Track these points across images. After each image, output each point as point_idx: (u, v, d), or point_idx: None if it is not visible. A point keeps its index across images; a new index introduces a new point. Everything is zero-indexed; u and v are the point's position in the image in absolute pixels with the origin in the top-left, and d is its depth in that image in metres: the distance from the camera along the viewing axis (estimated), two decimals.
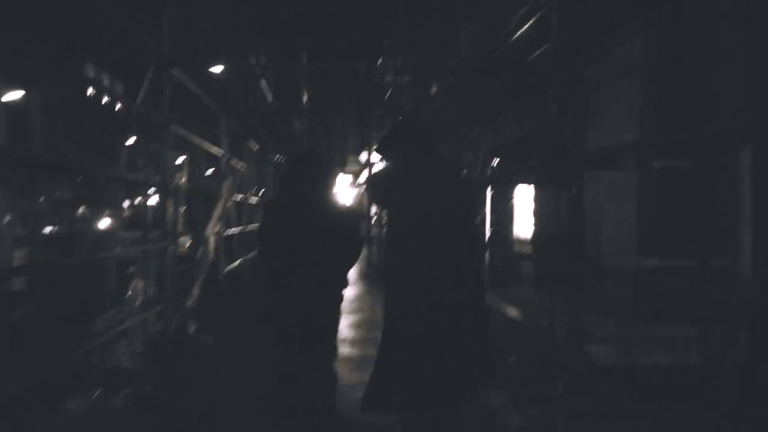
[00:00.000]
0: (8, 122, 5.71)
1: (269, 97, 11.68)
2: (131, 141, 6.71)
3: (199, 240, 6.07)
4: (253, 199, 11.15)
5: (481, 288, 3.07)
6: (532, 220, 7.77)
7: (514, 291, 5.99)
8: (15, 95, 6.12)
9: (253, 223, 10.97)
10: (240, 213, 9.45)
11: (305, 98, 12.74)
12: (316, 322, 3.21)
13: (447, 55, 7.64)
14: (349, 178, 23.75)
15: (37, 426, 3.37)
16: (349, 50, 11.29)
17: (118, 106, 4.18)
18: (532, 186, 7.78)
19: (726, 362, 2.55)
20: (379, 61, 12.43)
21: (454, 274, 2.85)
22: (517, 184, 8.22)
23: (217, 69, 8.27)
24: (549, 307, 3.16)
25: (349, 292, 9.01)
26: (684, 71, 4.88)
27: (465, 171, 5.55)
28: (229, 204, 7.31)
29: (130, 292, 5.62)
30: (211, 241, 6.28)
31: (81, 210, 20.68)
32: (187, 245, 6.29)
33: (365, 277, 11.92)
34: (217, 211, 6.39)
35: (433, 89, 9.02)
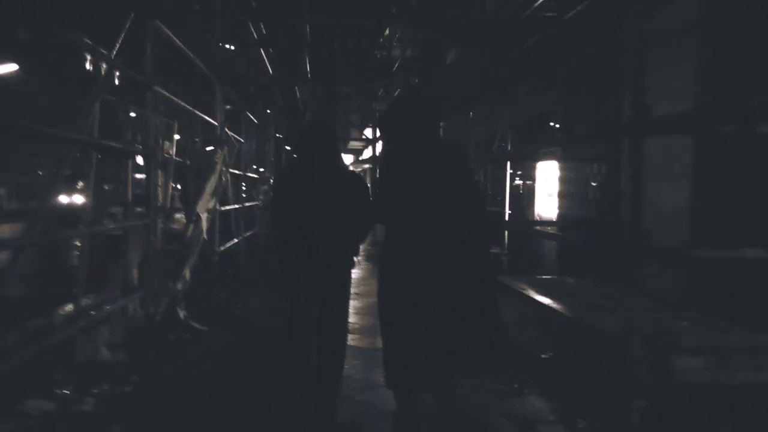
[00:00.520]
0: None
1: (269, 65, 10.97)
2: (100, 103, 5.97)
3: (191, 217, 5.43)
4: (252, 175, 10.52)
5: (487, 268, 2.95)
6: (556, 200, 7.14)
7: (546, 278, 5.36)
8: None
9: (252, 200, 10.36)
10: (237, 189, 8.79)
11: (307, 65, 11.95)
12: (327, 292, 3.20)
13: (468, 12, 6.92)
14: (351, 157, 23.03)
15: None
16: (356, 8, 10.37)
17: (89, 61, 3.57)
18: (557, 163, 7.14)
19: None
20: (386, 30, 11.65)
21: (458, 256, 2.76)
22: (539, 160, 7.58)
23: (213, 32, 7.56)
24: (611, 302, 2.52)
25: (354, 275, 8.37)
26: (748, 27, 4.21)
27: (466, 154, 5.13)
28: (225, 178, 6.65)
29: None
30: (204, 218, 5.64)
31: (80, 185, 20.10)
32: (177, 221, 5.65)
33: (370, 258, 11.13)
34: (210, 185, 5.73)
35: (449, 56, 8.32)
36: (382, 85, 12.84)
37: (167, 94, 4.73)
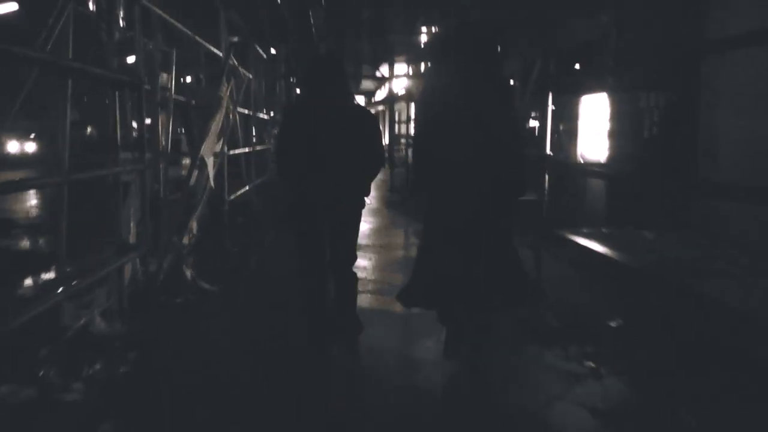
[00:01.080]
0: None
1: None
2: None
3: (195, 161, 4.72)
4: (263, 116, 9.75)
5: (517, 199, 3.00)
6: (605, 138, 6.36)
7: (611, 231, 4.65)
8: None
9: (263, 144, 9.60)
10: (248, 131, 8.03)
11: None
12: (336, 225, 3.26)
13: None
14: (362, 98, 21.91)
15: None
16: None
17: None
18: (606, 95, 6.31)
19: None
20: None
21: (490, 185, 2.89)
22: (585, 93, 6.74)
23: None
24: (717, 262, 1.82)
25: (370, 225, 7.65)
26: None
27: (509, 86, 4.62)
28: (232, 116, 5.90)
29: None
30: (210, 163, 4.94)
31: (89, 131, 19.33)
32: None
33: (388, 204, 10.23)
34: (216, 125, 4.99)
35: None
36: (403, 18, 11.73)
37: (160, 11, 3.94)
